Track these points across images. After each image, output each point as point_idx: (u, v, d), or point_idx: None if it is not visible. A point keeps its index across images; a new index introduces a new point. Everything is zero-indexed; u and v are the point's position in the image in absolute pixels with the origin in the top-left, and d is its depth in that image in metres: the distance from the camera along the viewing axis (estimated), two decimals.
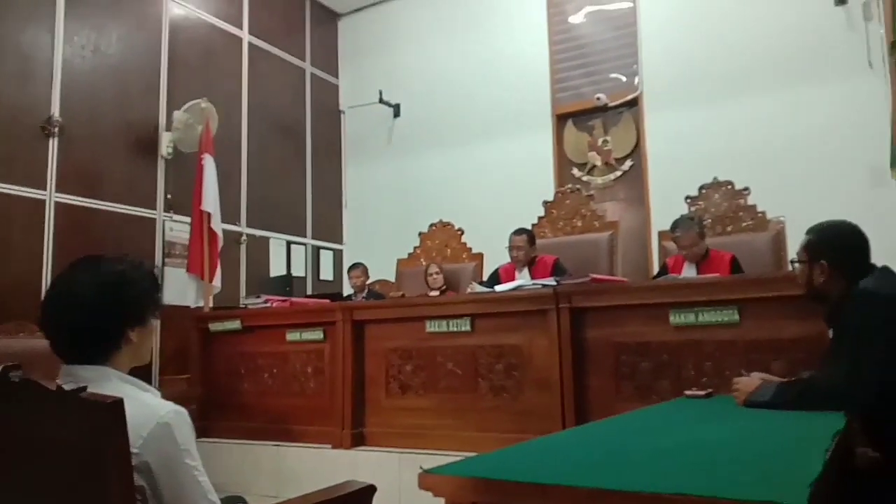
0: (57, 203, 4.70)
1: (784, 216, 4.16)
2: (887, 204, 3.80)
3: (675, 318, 2.99)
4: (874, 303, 1.90)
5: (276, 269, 6.48)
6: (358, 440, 3.65)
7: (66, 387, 1.08)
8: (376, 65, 7.34)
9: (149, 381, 1.36)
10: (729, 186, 4.40)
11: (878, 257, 2.09)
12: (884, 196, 4.34)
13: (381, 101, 7.13)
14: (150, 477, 1.17)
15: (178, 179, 5.45)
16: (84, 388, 1.06)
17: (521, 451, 1.24)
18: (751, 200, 4.33)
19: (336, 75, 7.62)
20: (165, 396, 1.32)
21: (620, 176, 6.27)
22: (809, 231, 2.14)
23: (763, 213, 4.28)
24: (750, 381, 2.02)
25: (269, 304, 4.28)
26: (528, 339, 3.32)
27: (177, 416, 1.24)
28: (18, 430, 1.13)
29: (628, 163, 6.23)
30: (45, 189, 4.65)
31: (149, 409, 1.21)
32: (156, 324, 1.42)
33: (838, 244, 2.07)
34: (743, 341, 2.86)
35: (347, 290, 6.08)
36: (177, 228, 5.44)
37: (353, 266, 5.81)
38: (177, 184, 5.46)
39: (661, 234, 4.58)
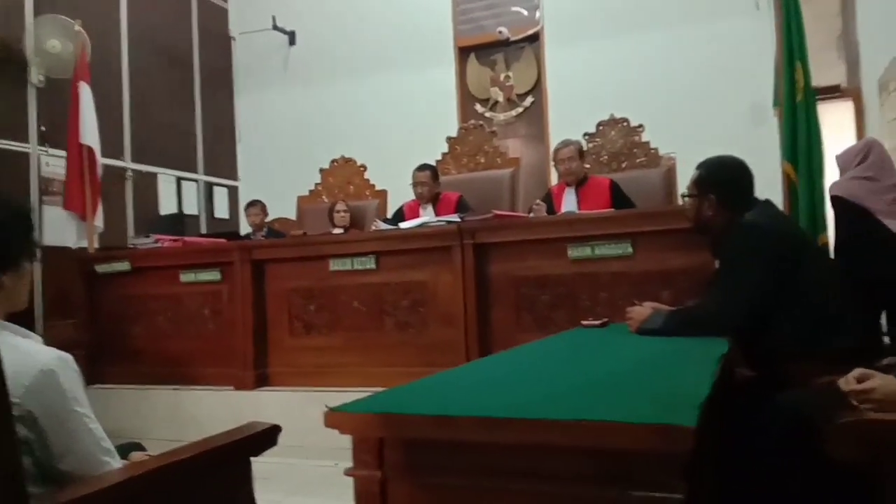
0: None
1: (675, 152, 4.34)
2: (768, 140, 4.04)
3: (573, 252, 3.10)
4: (754, 233, 2.04)
5: (167, 207, 6.15)
6: (261, 381, 3.60)
7: None
8: None
9: (31, 327, 1.26)
10: (624, 123, 4.53)
11: (759, 191, 2.22)
12: (765, 133, 4.61)
13: (274, 27, 6.76)
14: (35, 428, 1.10)
15: (52, 110, 5.00)
16: None
17: (425, 385, 1.25)
18: (644, 137, 4.48)
19: None
20: (51, 342, 1.23)
21: (522, 112, 6.31)
22: (699, 166, 2.24)
23: (655, 149, 4.44)
24: (642, 310, 2.13)
25: (159, 244, 4.07)
26: (433, 275, 3.35)
27: (61, 362, 1.16)
28: None
29: (529, 99, 6.27)
30: None
31: (29, 357, 1.12)
32: (31, 267, 1.30)
33: (726, 179, 2.18)
34: (635, 272, 3.01)
35: (245, 228, 5.88)
36: (53, 163, 5.02)
37: (251, 203, 5.60)
38: (52, 115, 5.00)
39: None
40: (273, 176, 6.52)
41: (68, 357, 1.19)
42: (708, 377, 1.15)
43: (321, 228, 4.77)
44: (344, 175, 5.30)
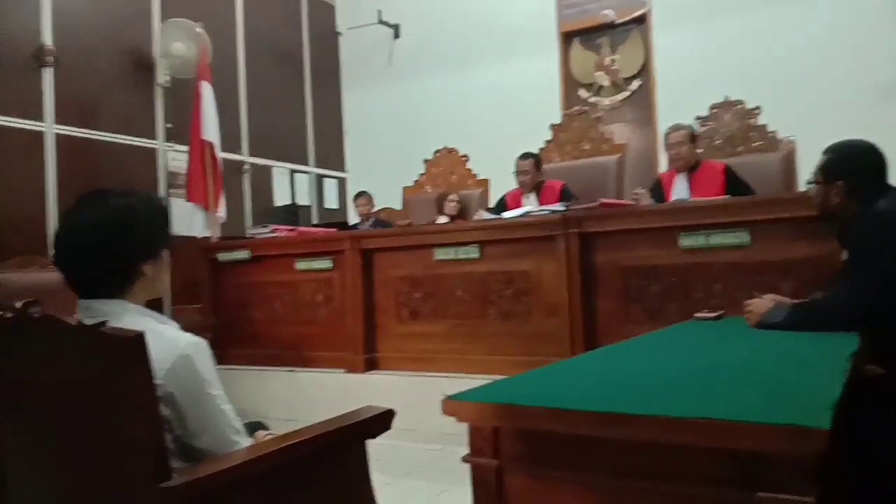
0: (56, 135, 4.64)
1: (794, 135, 4.08)
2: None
3: (685, 241, 2.99)
4: (886, 222, 1.89)
5: (281, 198, 6.45)
6: (371, 365, 3.72)
7: (86, 322, 1.08)
8: None
9: (160, 312, 1.36)
10: (740, 106, 4.31)
11: (892, 176, 2.06)
12: (893, 112, 4.25)
13: (380, 21, 6.90)
14: (175, 407, 1.19)
15: (178, 108, 5.34)
16: (104, 323, 1.05)
17: (540, 376, 1.25)
18: (762, 120, 4.25)
19: None
20: (181, 327, 1.33)
21: (628, 96, 6.13)
22: (827, 151, 2.10)
23: (774, 132, 4.20)
24: (762, 303, 2.03)
25: (276, 234, 4.28)
26: (536, 265, 3.33)
27: (197, 347, 1.25)
28: (38, 368, 1.13)
29: (636, 82, 6.08)
30: (42, 120, 4.58)
31: (169, 342, 1.21)
32: (168, 256, 1.40)
33: (855, 165, 2.03)
34: (752, 262, 2.86)
35: (353, 218, 6.07)
36: (179, 158, 5.37)
37: (359, 194, 5.79)
38: (177, 113, 5.35)
39: None
40: (379, 167, 6.68)
41: (203, 342, 1.27)
42: (839, 375, 1.08)
43: (426, 218, 4.85)
44: (447, 165, 5.36)
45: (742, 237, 2.86)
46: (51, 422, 1.15)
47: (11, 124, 4.40)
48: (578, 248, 3.19)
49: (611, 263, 3.18)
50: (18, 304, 1.11)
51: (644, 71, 6.02)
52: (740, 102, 4.29)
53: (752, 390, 1.06)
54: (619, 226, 3.17)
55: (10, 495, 1.24)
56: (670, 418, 0.86)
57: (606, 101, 6.19)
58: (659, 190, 3.94)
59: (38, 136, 4.55)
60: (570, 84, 6.31)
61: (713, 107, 4.36)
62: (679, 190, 3.87)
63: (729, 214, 2.92)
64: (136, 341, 1.01)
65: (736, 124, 4.27)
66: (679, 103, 5.16)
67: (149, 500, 1.00)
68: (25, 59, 4.51)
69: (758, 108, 4.24)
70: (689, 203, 3.37)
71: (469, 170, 5.28)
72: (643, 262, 3.10)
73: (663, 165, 4.94)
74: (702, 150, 4.15)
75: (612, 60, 6.15)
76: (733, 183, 3.68)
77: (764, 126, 4.22)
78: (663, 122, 5.62)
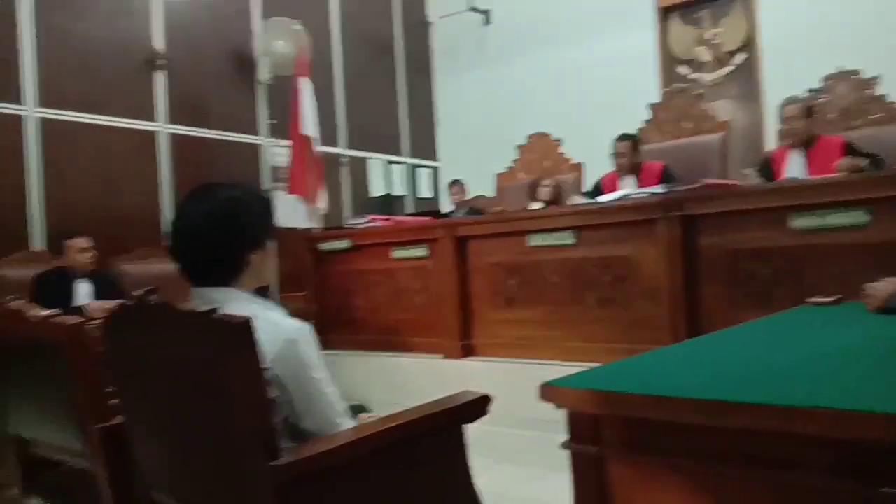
0: (169, 134, 4.93)
1: None
2: None
3: (797, 222, 2.81)
4: None
5: (377, 188, 6.59)
6: (467, 351, 3.75)
7: (199, 308, 1.14)
8: None
9: (269, 300, 1.42)
10: (856, 76, 4.01)
11: None
12: None
13: (470, 8, 6.88)
14: (283, 390, 1.24)
15: (279, 105, 5.55)
16: (215, 310, 1.11)
17: (641, 363, 1.22)
18: (881, 90, 3.94)
19: None
20: (287, 313, 1.38)
21: (732, 71, 5.84)
22: None
23: (894, 103, 3.88)
24: (884, 286, 1.87)
25: (373, 224, 4.38)
26: (635, 250, 3.24)
27: (302, 332, 1.29)
28: (157, 351, 1.22)
29: (740, 56, 5.77)
30: (155, 121, 4.88)
31: (276, 327, 1.26)
32: (273, 246, 1.46)
33: None
34: (873, 244, 2.66)
35: (447, 206, 6.12)
36: (282, 153, 5.59)
37: (452, 183, 5.83)
38: (279, 109, 5.56)
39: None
40: (471, 155, 6.69)
41: (308, 327, 1.32)
42: None
43: (519, 205, 4.81)
44: (540, 150, 5.29)
45: (860, 216, 2.66)
46: (167, 400, 1.24)
47: (129, 125, 4.73)
48: (681, 232, 3.07)
49: (715, 247, 3.04)
50: (139, 293, 1.19)
51: (748, 44, 5.71)
52: (856, 72, 3.99)
53: (871, 378, 0.99)
54: (724, 207, 3.02)
55: (135, 456, 1.35)
56: (783, 407, 0.82)
57: (708, 77, 5.92)
58: (768, 168, 3.73)
59: (151, 136, 4.86)
60: (669, 61, 6.08)
61: (826, 78, 4.09)
62: (794, 168, 3.65)
63: (845, 192, 2.73)
64: (244, 326, 1.06)
65: (852, 96, 3.99)
66: (788, 76, 4.87)
67: (259, 477, 1.05)
68: (139, 64, 4.83)
69: (876, 77, 3.93)
70: (801, 181, 3.17)
71: (562, 154, 5.20)
72: (751, 244, 2.95)
73: (770, 142, 4.68)
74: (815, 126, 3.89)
75: (714, 34, 5.87)
76: (855, 157, 3.42)
77: (883, 97, 3.91)
78: (771, 97, 5.32)
